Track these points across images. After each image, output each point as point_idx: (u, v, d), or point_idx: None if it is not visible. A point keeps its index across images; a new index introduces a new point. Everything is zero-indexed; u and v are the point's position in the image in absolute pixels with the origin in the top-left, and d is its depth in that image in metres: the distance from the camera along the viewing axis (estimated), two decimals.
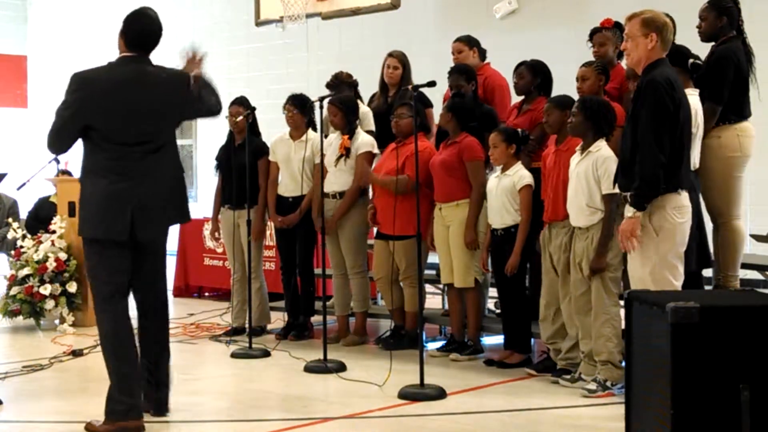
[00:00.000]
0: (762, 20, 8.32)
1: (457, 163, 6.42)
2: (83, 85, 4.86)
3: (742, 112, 5.77)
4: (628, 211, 4.74)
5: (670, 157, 4.65)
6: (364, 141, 7.09)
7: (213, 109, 5.14)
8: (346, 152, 7.03)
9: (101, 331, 4.98)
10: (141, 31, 4.96)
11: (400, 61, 7.45)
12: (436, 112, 7.19)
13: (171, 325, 8.30)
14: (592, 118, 5.51)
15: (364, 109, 7.42)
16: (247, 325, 7.29)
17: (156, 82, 4.93)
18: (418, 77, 6.59)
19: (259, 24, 11.78)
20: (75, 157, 12.13)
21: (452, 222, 6.47)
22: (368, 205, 7.04)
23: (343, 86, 7.45)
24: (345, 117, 7.05)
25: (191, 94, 4.98)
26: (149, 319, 5.15)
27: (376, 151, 7.12)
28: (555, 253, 5.76)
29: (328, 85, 7.51)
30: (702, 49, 5.86)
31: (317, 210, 7.01)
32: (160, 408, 5.07)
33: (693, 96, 5.22)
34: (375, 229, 7.19)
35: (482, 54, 7.31)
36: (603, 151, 5.45)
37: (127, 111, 4.81)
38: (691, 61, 5.61)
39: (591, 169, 5.44)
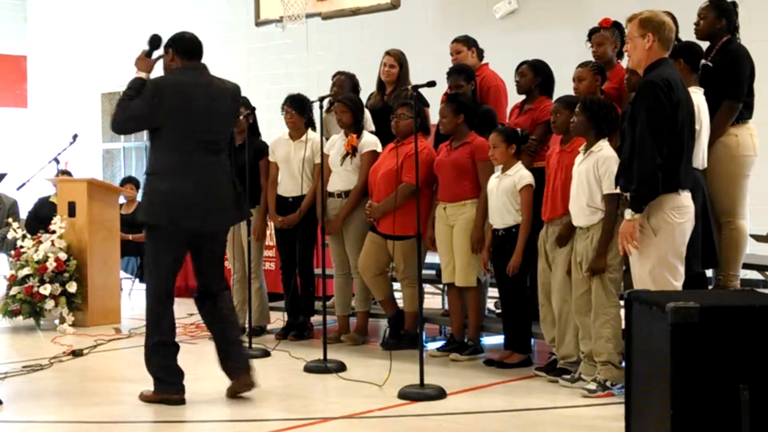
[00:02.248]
0: (762, 21, 8.33)
1: (469, 163, 6.42)
2: (160, 88, 5.26)
3: (751, 112, 5.81)
4: (627, 213, 4.74)
5: (669, 158, 4.65)
6: (369, 140, 7.10)
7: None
8: (353, 150, 7.03)
9: (149, 308, 5.39)
10: (190, 39, 5.45)
11: (397, 59, 7.44)
12: (434, 113, 7.18)
13: None
14: (593, 119, 5.51)
15: None
16: (247, 325, 7.29)
17: (218, 89, 5.39)
18: (417, 77, 6.59)
19: (259, 24, 11.78)
20: (75, 157, 12.07)
21: (457, 221, 6.46)
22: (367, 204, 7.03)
23: (346, 81, 7.47)
24: (354, 116, 7.06)
25: (236, 112, 5.67)
26: (208, 303, 5.53)
27: (379, 149, 7.12)
28: (550, 252, 5.77)
29: (339, 72, 7.62)
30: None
31: (321, 209, 7.01)
32: (241, 374, 5.47)
33: (696, 94, 5.22)
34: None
35: (480, 54, 7.31)
36: (605, 151, 5.45)
37: (196, 112, 5.25)
38: (702, 62, 5.62)
39: (592, 169, 5.44)
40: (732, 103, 5.65)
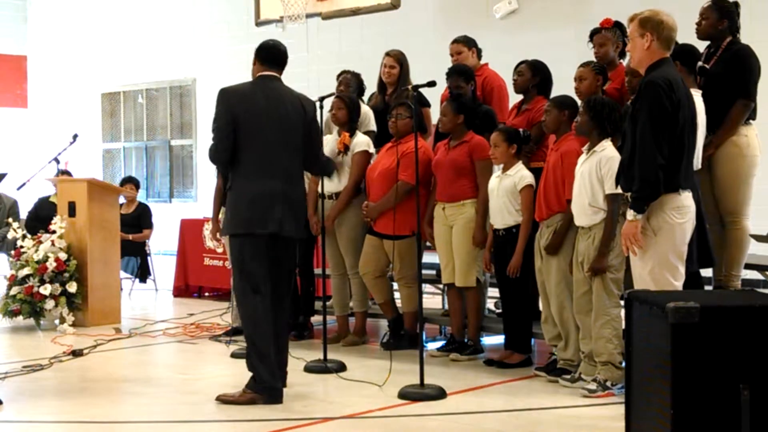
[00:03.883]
0: (762, 21, 8.33)
1: (468, 162, 6.41)
2: (226, 96, 5.48)
3: (755, 113, 5.82)
4: (629, 214, 4.73)
5: (669, 158, 4.65)
6: (361, 140, 7.08)
7: (326, 169, 6.00)
8: (344, 149, 7.02)
9: (245, 315, 5.48)
10: (271, 46, 5.67)
11: (397, 60, 7.44)
12: (435, 112, 7.18)
13: (171, 325, 8.38)
14: (596, 118, 5.51)
15: (365, 110, 7.41)
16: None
17: (287, 97, 5.54)
18: (417, 77, 6.59)
19: (259, 24, 11.78)
20: (75, 157, 12.09)
21: (456, 221, 6.46)
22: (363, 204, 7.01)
23: (353, 80, 7.46)
24: (349, 114, 7.05)
25: (311, 123, 5.61)
26: (277, 307, 5.54)
27: (372, 150, 7.11)
28: (543, 252, 5.79)
29: (345, 71, 7.58)
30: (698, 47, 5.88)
31: (313, 209, 7.01)
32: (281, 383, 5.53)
33: (695, 97, 5.22)
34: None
35: (479, 54, 7.31)
36: (607, 151, 5.44)
37: (261, 115, 5.41)
38: (699, 64, 5.62)
39: (595, 169, 5.43)
40: (745, 101, 5.69)
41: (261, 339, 5.36)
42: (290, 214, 5.44)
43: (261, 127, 5.41)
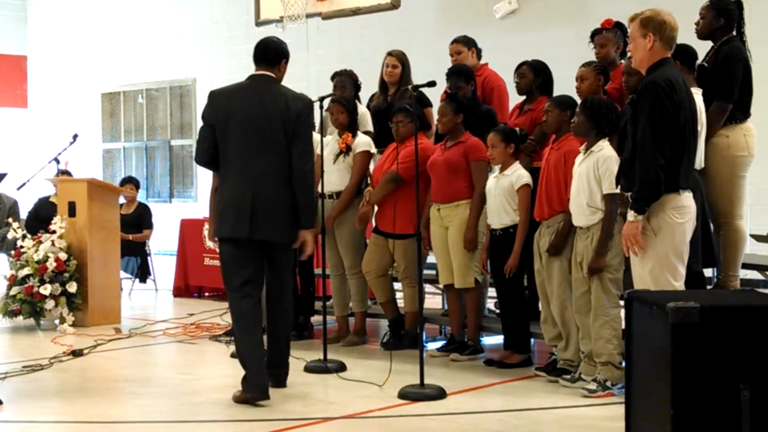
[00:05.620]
0: (762, 20, 8.33)
1: (463, 162, 6.41)
2: (211, 98, 5.58)
3: (747, 112, 5.79)
4: (630, 215, 4.73)
5: (670, 158, 4.65)
6: (362, 140, 7.08)
7: (302, 167, 5.44)
8: (346, 149, 7.02)
9: (232, 315, 5.59)
10: (259, 44, 5.68)
11: (399, 60, 7.44)
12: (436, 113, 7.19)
13: (171, 325, 8.38)
14: (593, 118, 5.51)
15: (362, 110, 7.41)
16: None
17: (263, 97, 5.46)
18: (417, 77, 6.59)
19: (259, 24, 11.77)
20: (75, 157, 12.09)
21: (451, 223, 6.45)
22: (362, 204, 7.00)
23: (347, 81, 7.45)
24: (350, 115, 7.06)
25: (296, 120, 5.42)
26: (272, 311, 5.67)
27: (373, 150, 7.11)
28: (543, 253, 5.79)
29: (337, 73, 7.55)
30: (700, 48, 5.87)
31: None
32: (278, 382, 5.65)
33: (696, 95, 5.22)
34: (373, 225, 7.14)
35: (479, 54, 7.31)
36: (605, 151, 5.45)
37: (238, 118, 5.41)
38: (698, 62, 5.62)
39: (592, 169, 5.44)
40: (721, 104, 5.64)
41: (242, 338, 5.42)
42: (264, 218, 5.33)
43: (237, 131, 5.40)
